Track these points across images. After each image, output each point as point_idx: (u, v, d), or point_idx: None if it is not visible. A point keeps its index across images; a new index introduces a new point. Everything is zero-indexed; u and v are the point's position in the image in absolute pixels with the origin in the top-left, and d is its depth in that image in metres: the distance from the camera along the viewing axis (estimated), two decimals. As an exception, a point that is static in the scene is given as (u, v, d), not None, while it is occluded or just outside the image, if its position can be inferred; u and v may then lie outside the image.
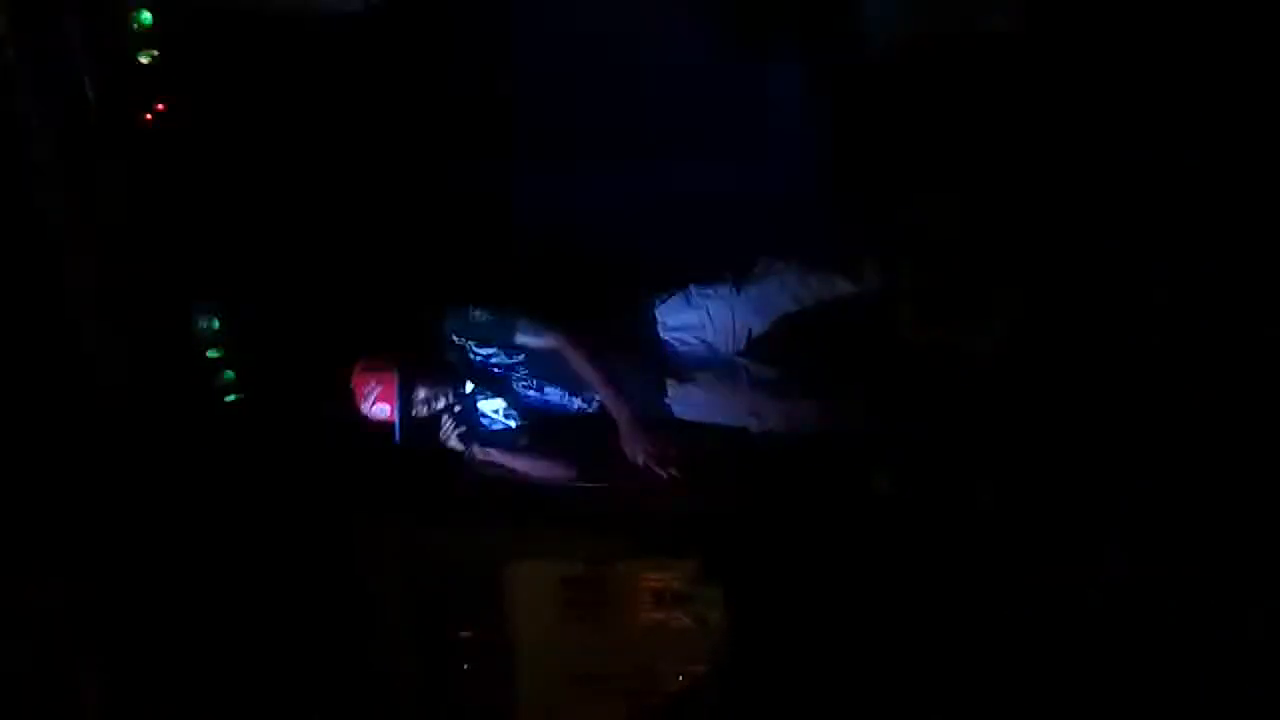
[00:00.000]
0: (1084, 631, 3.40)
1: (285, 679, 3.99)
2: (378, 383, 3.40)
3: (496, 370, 3.47)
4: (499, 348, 3.45)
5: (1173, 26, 3.43)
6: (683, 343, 3.53)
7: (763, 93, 4.11)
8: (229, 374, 4.00)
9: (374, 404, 3.40)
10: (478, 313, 3.45)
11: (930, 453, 3.65)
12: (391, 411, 3.39)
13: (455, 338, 3.49)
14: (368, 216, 4.10)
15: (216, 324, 3.94)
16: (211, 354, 4.00)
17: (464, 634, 4.08)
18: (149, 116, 3.73)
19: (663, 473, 3.42)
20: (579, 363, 3.41)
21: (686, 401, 3.55)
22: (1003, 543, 3.56)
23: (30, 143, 3.47)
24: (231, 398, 4.03)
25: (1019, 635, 3.51)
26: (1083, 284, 3.53)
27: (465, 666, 4.07)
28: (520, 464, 3.54)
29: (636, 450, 3.39)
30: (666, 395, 3.53)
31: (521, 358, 3.46)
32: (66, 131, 3.56)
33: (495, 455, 3.54)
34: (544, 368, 3.47)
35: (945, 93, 3.80)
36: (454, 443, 3.52)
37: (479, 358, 3.47)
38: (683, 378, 3.52)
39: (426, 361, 3.47)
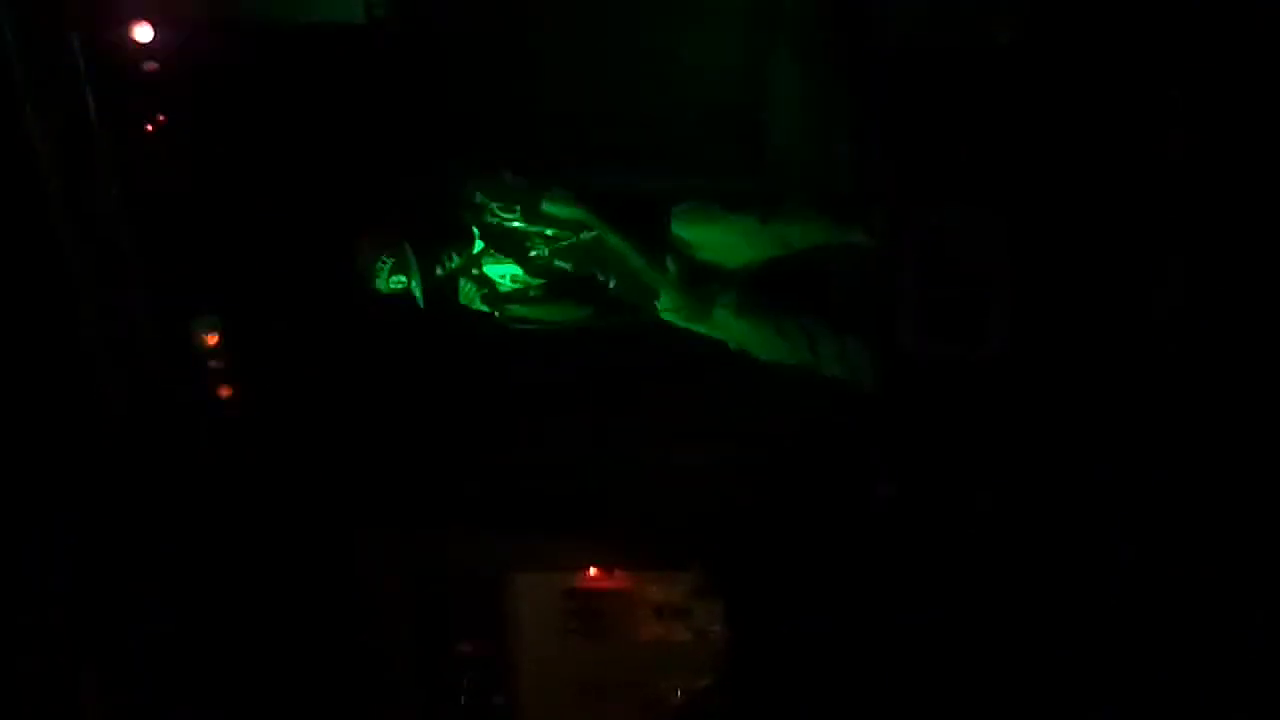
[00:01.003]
0: (1086, 634, 3.41)
1: (287, 688, 4.00)
2: (389, 254, 3.31)
3: (515, 233, 3.43)
4: (524, 212, 3.40)
5: (1173, 36, 3.41)
6: (691, 258, 3.50)
7: (768, 100, 4.09)
8: (231, 384, 3.97)
9: (390, 275, 3.34)
10: (509, 175, 3.41)
11: (930, 461, 3.65)
12: (408, 280, 3.30)
13: (478, 196, 3.43)
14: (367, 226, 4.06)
15: (218, 334, 3.90)
16: (213, 364, 3.96)
17: (465, 646, 4.11)
18: (150, 128, 3.69)
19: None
20: (609, 222, 3.39)
21: (673, 307, 3.54)
22: (1003, 549, 3.56)
23: (35, 153, 3.44)
24: (233, 408, 3.99)
25: (1021, 641, 3.52)
26: (1082, 290, 3.52)
27: (466, 679, 4.10)
28: (547, 312, 3.48)
29: None
30: (658, 298, 3.51)
31: (538, 228, 3.43)
32: (70, 142, 3.54)
33: (521, 310, 3.46)
34: (558, 242, 3.44)
35: (949, 103, 3.78)
36: (479, 304, 3.43)
37: (497, 218, 3.42)
38: (679, 286, 3.51)
39: (433, 225, 3.41)
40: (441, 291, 3.39)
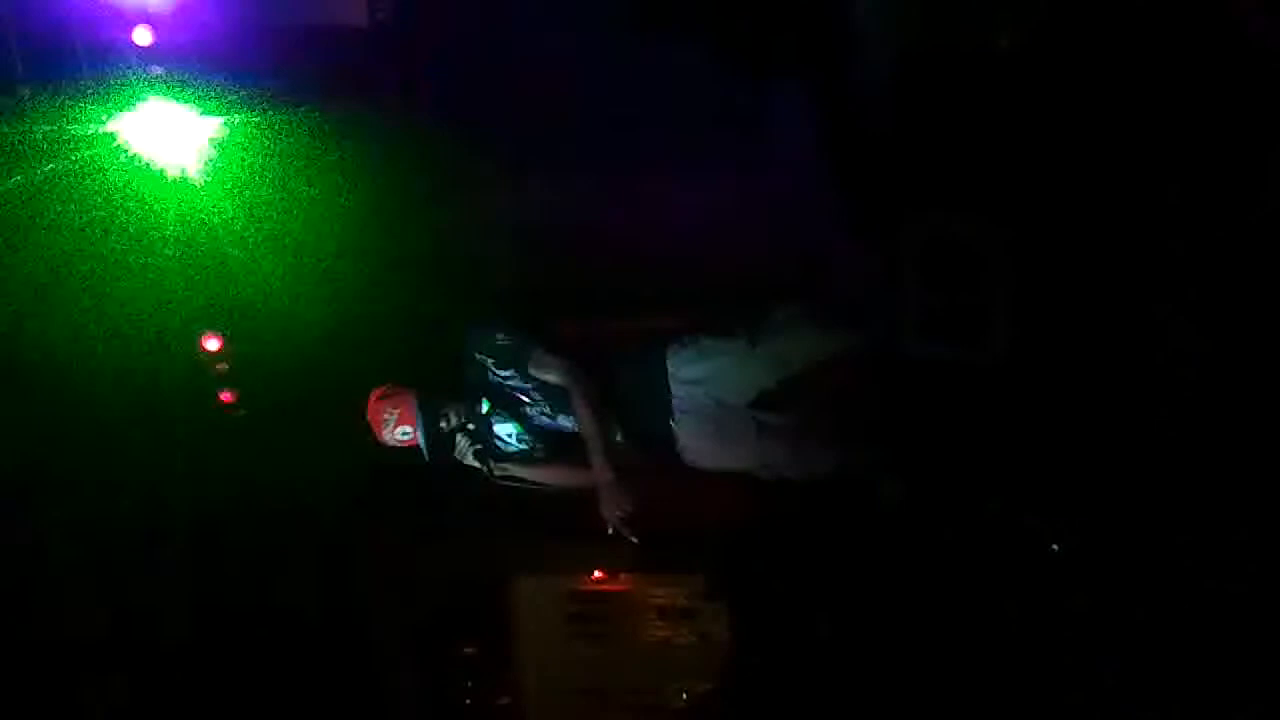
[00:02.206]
0: (1094, 641, 3.42)
1: (291, 690, 4.01)
2: (394, 407, 3.37)
3: (513, 393, 3.47)
4: (517, 372, 3.45)
5: (1173, 40, 3.41)
6: (692, 395, 3.51)
7: (764, 109, 4.08)
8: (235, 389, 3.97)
9: (395, 428, 3.37)
10: (500, 336, 3.45)
11: (937, 466, 3.65)
12: (414, 433, 3.38)
13: (478, 355, 3.48)
14: (374, 232, 4.06)
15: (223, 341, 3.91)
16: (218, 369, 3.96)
17: (469, 648, 4.11)
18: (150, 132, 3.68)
19: (629, 537, 3.43)
20: (579, 408, 3.41)
21: (696, 450, 3.55)
22: (1010, 554, 3.56)
23: (38, 163, 3.44)
24: (239, 413, 4.00)
25: (1028, 647, 3.53)
26: (1085, 294, 3.52)
27: (470, 681, 4.11)
28: (538, 475, 3.52)
29: (611, 512, 3.40)
30: (676, 444, 3.53)
31: (537, 384, 3.46)
32: (71, 150, 3.53)
33: (513, 469, 3.53)
34: (558, 398, 3.46)
35: (947, 108, 3.78)
36: (470, 459, 3.50)
37: (497, 378, 3.47)
38: (692, 427, 3.51)
39: (440, 380, 3.46)
40: (446, 445, 3.42)
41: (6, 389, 3.71)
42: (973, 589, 3.60)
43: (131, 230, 3.74)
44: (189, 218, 3.80)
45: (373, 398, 3.39)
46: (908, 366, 3.61)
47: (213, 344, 3.94)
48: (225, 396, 4.01)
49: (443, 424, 3.39)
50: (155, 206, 3.74)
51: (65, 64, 3.50)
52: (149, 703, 3.92)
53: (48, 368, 3.77)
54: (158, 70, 3.66)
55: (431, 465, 3.40)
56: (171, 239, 3.79)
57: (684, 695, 4.04)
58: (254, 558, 4.04)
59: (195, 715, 3.96)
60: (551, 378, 3.38)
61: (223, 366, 3.97)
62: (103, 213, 3.68)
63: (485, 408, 3.46)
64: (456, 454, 3.46)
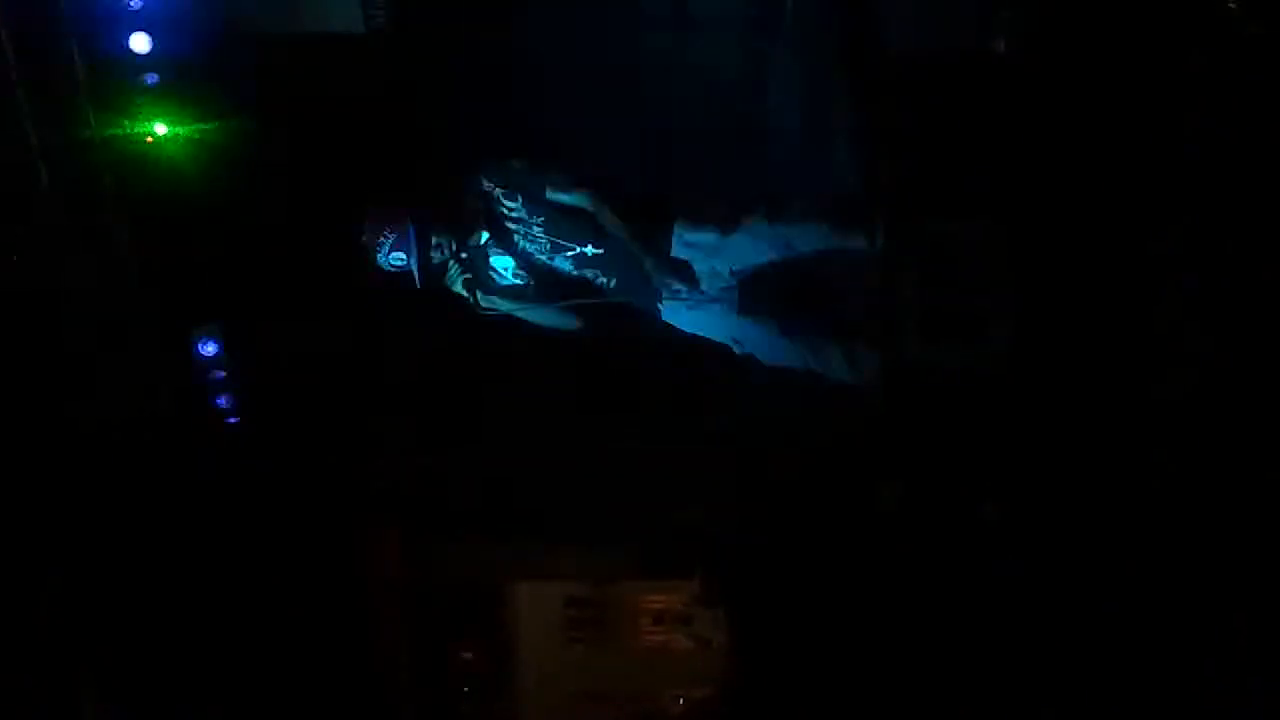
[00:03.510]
0: (1090, 641, 3.43)
1: (289, 698, 4.01)
2: (390, 230, 3.33)
3: (515, 224, 3.44)
4: (525, 202, 3.42)
5: (1168, 42, 3.42)
6: (694, 259, 3.51)
7: (769, 107, 4.09)
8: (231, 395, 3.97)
9: (390, 253, 3.34)
10: (516, 161, 3.44)
11: (933, 468, 3.66)
12: (408, 259, 3.33)
13: (485, 183, 3.45)
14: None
15: (219, 346, 3.90)
16: (213, 369, 3.96)
17: (467, 653, 4.12)
18: (149, 139, 3.67)
19: None
20: (608, 218, 3.40)
21: (677, 312, 3.56)
22: (1008, 557, 3.57)
23: (34, 167, 3.43)
24: (234, 419, 3.99)
25: (1025, 648, 3.54)
26: (1083, 298, 3.53)
27: (468, 686, 4.11)
28: (525, 312, 3.51)
29: None
30: (661, 299, 3.53)
31: (542, 218, 3.44)
32: (69, 155, 3.53)
33: (500, 303, 3.51)
34: (560, 231, 3.45)
35: (948, 111, 3.79)
36: (459, 287, 3.45)
37: (501, 208, 3.44)
38: (678, 289, 3.52)
39: (439, 207, 3.44)
40: (438, 274, 3.41)
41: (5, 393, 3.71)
42: (968, 590, 3.62)
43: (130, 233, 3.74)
44: (185, 221, 3.80)
45: (370, 220, 3.36)
46: (907, 370, 3.63)
47: (209, 349, 3.93)
48: (222, 402, 4.00)
49: (435, 252, 3.37)
50: (154, 210, 3.75)
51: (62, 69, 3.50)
52: (147, 706, 3.91)
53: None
54: (154, 78, 3.66)
55: (419, 291, 3.38)
56: (168, 242, 3.79)
57: (680, 699, 4.05)
58: (252, 562, 4.03)
59: (189, 716, 3.95)
60: (571, 199, 3.38)
61: (219, 373, 3.96)
62: (102, 217, 3.69)
63: (483, 238, 3.44)
64: (446, 281, 3.44)
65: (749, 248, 3.51)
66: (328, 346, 4.02)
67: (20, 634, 3.73)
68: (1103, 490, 3.47)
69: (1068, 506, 3.52)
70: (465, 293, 3.43)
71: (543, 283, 3.50)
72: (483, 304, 3.44)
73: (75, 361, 3.78)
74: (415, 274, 3.34)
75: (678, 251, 3.49)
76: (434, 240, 3.37)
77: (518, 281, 3.49)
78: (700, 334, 3.58)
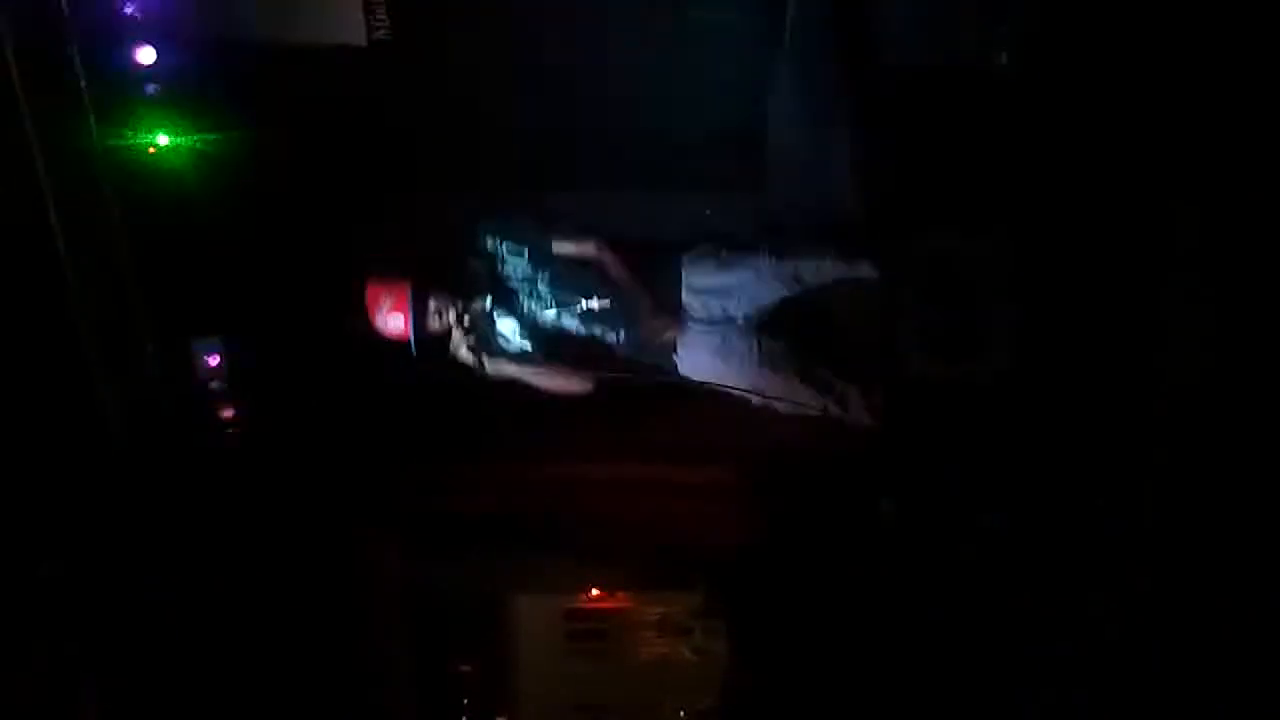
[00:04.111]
0: (1094, 654, 3.42)
1: (288, 709, 4.00)
2: (389, 294, 3.30)
3: (520, 283, 3.42)
4: (531, 259, 3.39)
5: (1173, 56, 3.42)
6: (705, 306, 3.49)
7: (767, 120, 4.09)
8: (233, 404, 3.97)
9: (387, 315, 3.29)
10: (519, 217, 3.42)
11: (934, 481, 3.66)
12: (406, 323, 3.29)
13: (490, 240, 3.43)
14: (370, 247, 4.06)
15: (219, 356, 3.90)
16: (214, 386, 3.96)
17: (466, 666, 4.11)
18: (152, 149, 3.68)
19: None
20: (616, 269, 3.38)
21: (694, 361, 3.52)
22: (1009, 568, 3.57)
23: (36, 181, 3.44)
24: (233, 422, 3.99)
25: (1027, 660, 3.53)
26: (1085, 311, 3.53)
27: (467, 699, 4.10)
28: (533, 375, 3.47)
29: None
30: (676, 351, 3.50)
31: (547, 274, 3.42)
32: (71, 167, 3.53)
33: (508, 368, 3.48)
34: (566, 286, 3.43)
35: (949, 125, 3.79)
36: (464, 354, 3.39)
37: (505, 267, 3.41)
38: (696, 337, 3.50)
39: (441, 270, 3.41)
40: (440, 342, 3.38)
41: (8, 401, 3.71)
42: (970, 603, 3.61)
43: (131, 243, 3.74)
44: (187, 231, 3.81)
45: (370, 287, 3.34)
46: (908, 381, 3.63)
47: (211, 359, 3.93)
48: (223, 413, 4.00)
49: (434, 319, 3.34)
50: (155, 220, 3.75)
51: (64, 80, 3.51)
52: (148, 712, 3.90)
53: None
54: (157, 88, 3.67)
55: (416, 359, 3.33)
56: (170, 251, 3.79)
57: (681, 712, 4.04)
58: (252, 572, 4.03)
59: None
60: (577, 249, 3.36)
61: (220, 383, 3.96)
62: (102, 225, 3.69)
63: (488, 303, 3.41)
64: (451, 349, 3.41)
65: (759, 288, 3.50)
66: (329, 356, 4.02)
67: (21, 636, 3.73)
68: (1105, 502, 3.46)
69: (1070, 519, 3.51)
70: (471, 358, 3.40)
71: (550, 344, 3.48)
72: (489, 369, 3.40)
73: (76, 371, 3.78)
74: (410, 341, 3.30)
75: (688, 298, 3.48)
76: (433, 306, 3.35)
77: (525, 345, 3.47)
78: (719, 384, 3.53)
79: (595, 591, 4.11)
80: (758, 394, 3.51)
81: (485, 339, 3.41)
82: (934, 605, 3.67)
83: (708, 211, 3.93)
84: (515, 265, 3.41)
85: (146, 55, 3.62)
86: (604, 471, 4.04)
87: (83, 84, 3.52)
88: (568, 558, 3.96)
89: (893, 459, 3.70)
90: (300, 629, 4.04)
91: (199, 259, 3.85)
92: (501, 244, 3.42)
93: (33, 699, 3.74)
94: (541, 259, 3.41)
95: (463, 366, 3.42)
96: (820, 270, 3.50)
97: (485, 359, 3.38)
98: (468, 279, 3.41)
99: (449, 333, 3.38)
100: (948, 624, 3.66)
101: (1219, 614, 3.23)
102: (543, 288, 3.41)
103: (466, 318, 3.36)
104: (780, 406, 3.52)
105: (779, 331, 3.56)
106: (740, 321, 3.51)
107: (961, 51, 3.82)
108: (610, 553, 4.01)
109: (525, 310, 3.42)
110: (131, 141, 3.69)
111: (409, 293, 3.27)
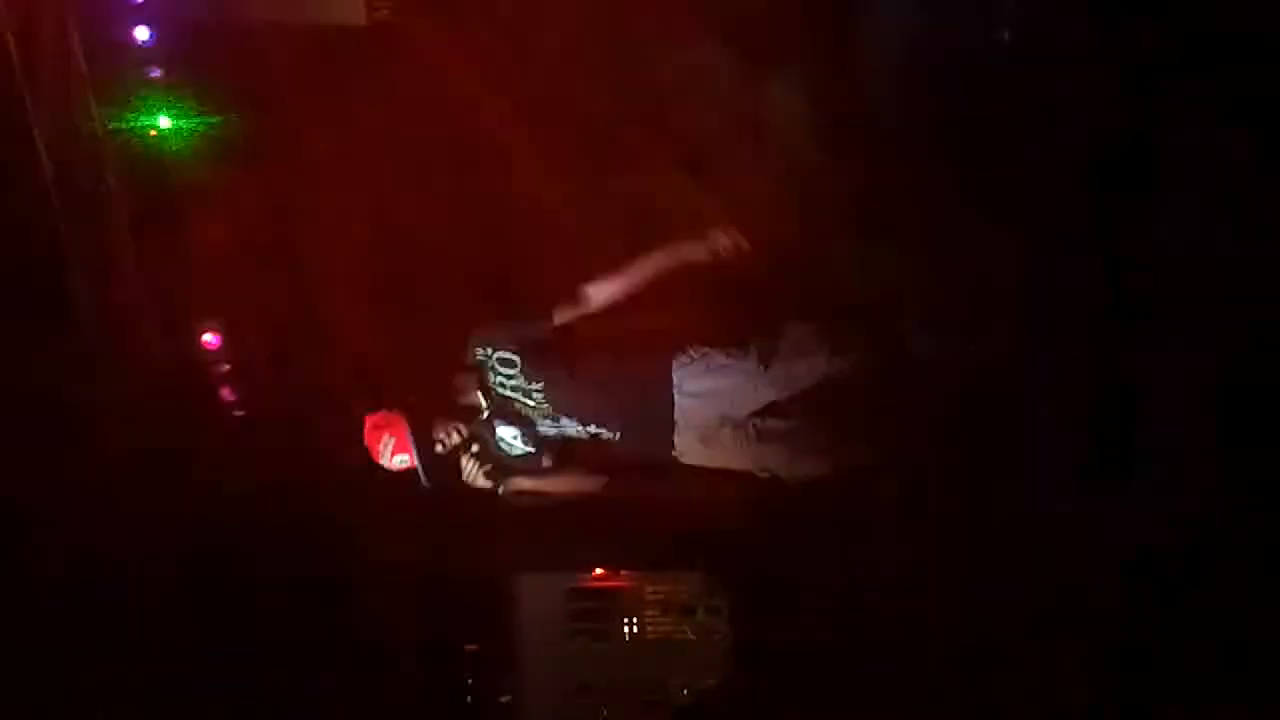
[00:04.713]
0: (1096, 641, 3.41)
1: (291, 689, 4.01)
2: (389, 434, 3.33)
3: (513, 393, 3.45)
4: (523, 367, 3.41)
5: (1177, 36, 3.41)
6: (696, 409, 3.51)
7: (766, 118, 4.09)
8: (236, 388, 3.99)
9: (392, 456, 3.34)
10: (505, 324, 3.44)
11: (937, 463, 3.65)
12: (411, 458, 3.33)
13: (480, 352, 3.45)
14: (373, 229, 4.08)
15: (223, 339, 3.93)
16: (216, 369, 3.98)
17: (469, 646, 4.12)
18: (153, 132, 3.70)
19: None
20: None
21: (693, 454, 3.56)
22: (1012, 553, 3.56)
23: (38, 164, 3.46)
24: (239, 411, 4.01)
25: (1027, 643, 3.52)
26: (1087, 295, 3.52)
27: (470, 679, 4.11)
28: (548, 485, 3.52)
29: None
30: (674, 448, 3.54)
31: (540, 385, 3.44)
32: (72, 151, 3.56)
33: (527, 484, 3.52)
34: (562, 396, 3.45)
35: (943, 113, 3.79)
36: (481, 481, 3.46)
37: (498, 378, 3.45)
38: (691, 438, 3.52)
39: (433, 397, 3.44)
40: (450, 466, 3.40)
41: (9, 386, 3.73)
42: (971, 584, 3.61)
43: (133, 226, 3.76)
44: (191, 214, 3.82)
45: (367, 425, 3.37)
46: (910, 364, 3.62)
47: (213, 342, 3.95)
48: (225, 395, 4.02)
49: (439, 445, 3.37)
50: (156, 203, 3.77)
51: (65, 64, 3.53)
52: (148, 701, 3.92)
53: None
54: (156, 70, 3.69)
55: (432, 490, 3.39)
56: (172, 234, 3.81)
57: (685, 691, 4.04)
58: (253, 556, 4.05)
59: (193, 710, 3.96)
60: (563, 318, 3.37)
61: (223, 365, 3.98)
62: (104, 209, 3.71)
63: (485, 415, 3.44)
64: (465, 478, 3.45)
65: (751, 393, 3.51)
66: (331, 338, 4.04)
67: (21, 629, 3.75)
68: (1107, 486, 3.46)
69: (1068, 498, 3.50)
70: (490, 483, 3.44)
71: (552, 448, 3.51)
72: (511, 490, 3.47)
73: (78, 354, 3.80)
74: (420, 473, 3.33)
75: (680, 401, 3.49)
76: (436, 432, 3.37)
77: (529, 449, 3.50)
78: (721, 466, 3.57)
79: (598, 571, 4.11)
80: (765, 470, 3.55)
81: (491, 450, 3.43)
82: (936, 585, 3.67)
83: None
84: (508, 375, 3.43)
85: (147, 38, 3.65)
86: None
87: (84, 67, 3.55)
88: (570, 537, 3.96)
89: (895, 441, 3.69)
90: (304, 609, 4.05)
91: (201, 241, 3.88)
92: (492, 354, 3.43)
93: (34, 697, 3.77)
94: (533, 367, 3.43)
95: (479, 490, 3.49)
96: (809, 368, 3.50)
97: (501, 481, 3.41)
98: (461, 397, 3.42)
99: (456, 453, 3.39)
100: (950, 604, 3.65)
101: (1220, 600, 3.22)
102: (536, 395, 3.44)
103: (470, 439, 3.37)
104: (784, 476, 3.54)
105: (778, 420, 3.58)
106: (735, 418, 3.53)
107: (962, 34, 3.82)
108: (613, 533, 4.00)
109: (522, 416, 3.45)
110: (134, 125, 3.71)
111: (407, 427, 3.29)
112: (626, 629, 4.03)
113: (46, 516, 3.75)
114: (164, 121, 3.71)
